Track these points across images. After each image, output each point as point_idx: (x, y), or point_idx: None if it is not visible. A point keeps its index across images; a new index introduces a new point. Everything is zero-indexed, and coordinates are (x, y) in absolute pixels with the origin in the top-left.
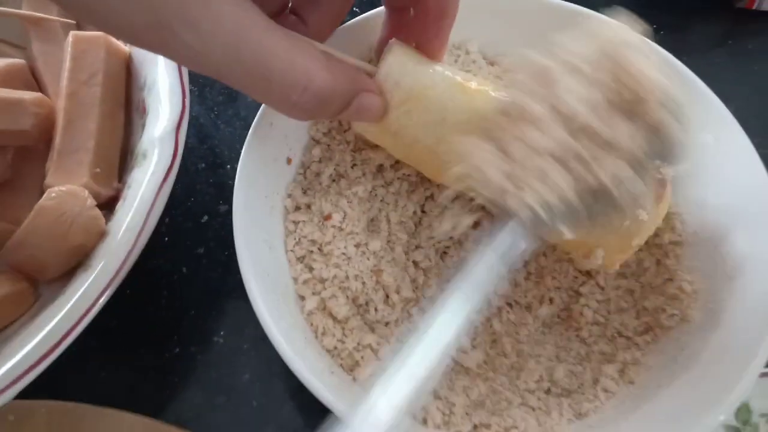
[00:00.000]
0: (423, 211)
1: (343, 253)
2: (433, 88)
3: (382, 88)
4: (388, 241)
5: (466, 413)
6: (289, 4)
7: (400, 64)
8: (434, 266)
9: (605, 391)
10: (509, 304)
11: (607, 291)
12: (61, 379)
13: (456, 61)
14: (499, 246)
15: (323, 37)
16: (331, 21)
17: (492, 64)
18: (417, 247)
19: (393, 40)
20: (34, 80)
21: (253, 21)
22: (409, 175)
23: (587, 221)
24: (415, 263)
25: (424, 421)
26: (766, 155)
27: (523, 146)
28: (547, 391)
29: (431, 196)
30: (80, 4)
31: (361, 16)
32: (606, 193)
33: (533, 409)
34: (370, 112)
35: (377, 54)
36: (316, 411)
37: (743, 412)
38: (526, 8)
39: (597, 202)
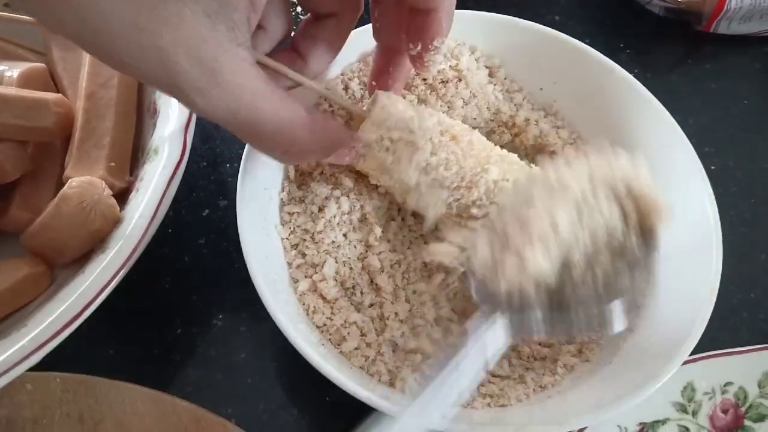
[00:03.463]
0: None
1: (333, 242)
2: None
3: (368, 136)
4: (381, 231)
5: None
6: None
7: (384, 119)
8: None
9: (564, 367)
10: None
11: None
12: (73, 356)
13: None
14: (483, 348)
15: (320, 69)
16: (328, 56)
17: (491, 74)
18: (400, 237)
19: (377, 92)
20: (53, 83)
21: (252, 90)
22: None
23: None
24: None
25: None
26: (719, 164)
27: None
28: (525, 367)
29: None
30: (101, 50)
31: (364, 27)
32: (568, 308)
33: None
34: (344, 161)
35: (369, 91)
36: (305, 388)
37: (688, 390)
38: (520, 31)
39: (560, 312)
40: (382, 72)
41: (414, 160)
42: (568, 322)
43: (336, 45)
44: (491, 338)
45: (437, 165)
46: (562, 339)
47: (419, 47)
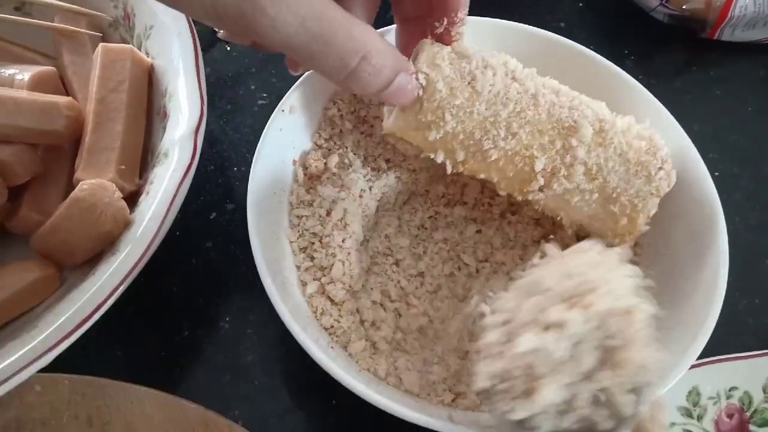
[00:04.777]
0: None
1: (340, 245)
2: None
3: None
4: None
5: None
6: None
7: (432, 58)
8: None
9: None
10: None
11: None
12: (81, 358)
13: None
14: None
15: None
16: (370, 9)
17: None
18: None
19: (423, 40)
20: (62, 87)
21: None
22: (400, 176)
23: None
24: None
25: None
26: (723, 171)
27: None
28: None
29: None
30: None
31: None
32: None
33: None
34: (404, 95)
35: None
36: (312, 391)
37: (693, 395)
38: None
39: None
40: (405, 50)
41: (479, 86)
42: None
43: (371, 6)
44: None
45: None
46: None
47: (445, 23)
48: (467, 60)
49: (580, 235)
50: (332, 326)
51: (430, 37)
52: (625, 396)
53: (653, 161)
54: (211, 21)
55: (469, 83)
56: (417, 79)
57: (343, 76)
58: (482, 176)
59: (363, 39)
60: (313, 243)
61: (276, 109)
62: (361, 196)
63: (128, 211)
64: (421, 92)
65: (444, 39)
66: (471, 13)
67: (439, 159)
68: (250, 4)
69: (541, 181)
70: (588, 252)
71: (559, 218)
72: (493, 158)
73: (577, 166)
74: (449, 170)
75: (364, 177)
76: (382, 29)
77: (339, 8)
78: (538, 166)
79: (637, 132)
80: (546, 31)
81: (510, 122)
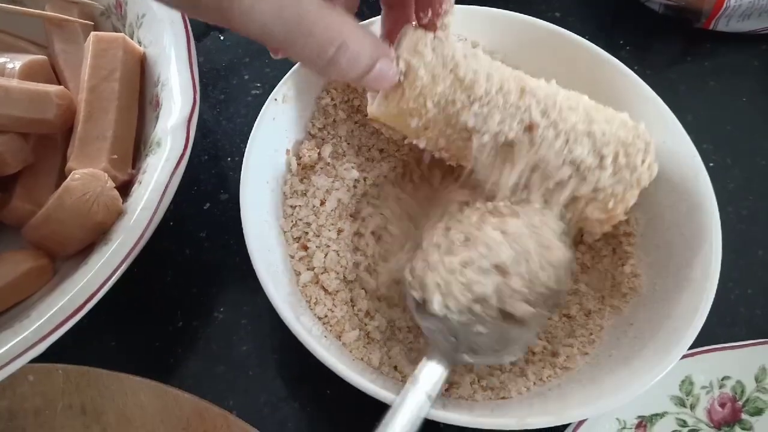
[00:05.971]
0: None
1: (334, 235)
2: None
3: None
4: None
5: None
6: None
7: (414, 44)
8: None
9: (564, 360)
10: None
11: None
12: (75, 348)
13: None
14: (426, 383)
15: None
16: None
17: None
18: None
19: (407, 25)
20: (54, 76)
21: None
22: (395, 168)
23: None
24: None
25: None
26: (717, 161)
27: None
28: (526, 361)
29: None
30: None
31: (366, 21)
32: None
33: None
34: (385, 81)
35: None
36: (306, 381)
37: (686, 384)
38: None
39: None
40: (389, 36)
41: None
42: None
43: None
44: (428, 374)
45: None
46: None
47: (429, 14)
48: (451, 47)
49: None
50: (326, 316)
51: (415, 23)
52: (518, 304)
53: (635, 153)
54: (187, 9)
55: (451, 70)
56: (398, 65)
57: (322, 64)
58: (463, 163)
59: (340, 28)
60: (306, 233)
61: (269, 98)
62: (355, 186)
63: (121, 200)
64: (402, 78)
65: (429, 29)
66: (466, 1)
67: (422, 145)
68: None
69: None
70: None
71: None
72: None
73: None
74: (426, 160)
75: (358, 167)
76: (370, 20)
77: None
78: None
79: (621, 121)
80: (541, 21)
81: (492, 107)
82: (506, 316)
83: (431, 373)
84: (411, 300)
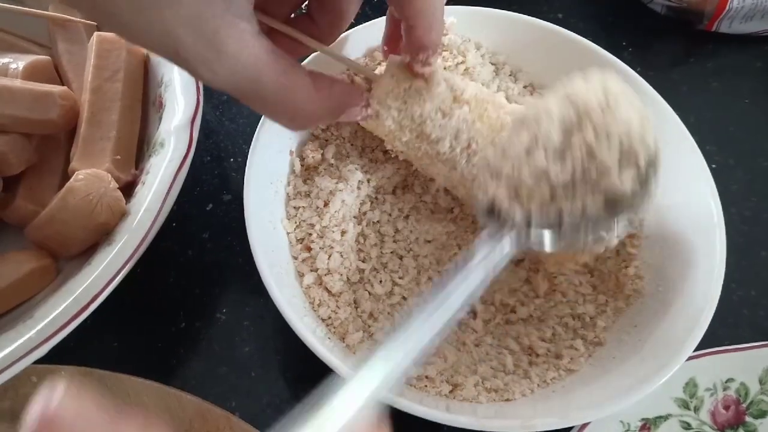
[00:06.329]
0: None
1: (337, 237)
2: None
3: (381, 95)
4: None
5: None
6: (303, 5)
7: (385, 95)
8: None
9: (568, 362)
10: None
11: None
12: (78, 350)
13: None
14: (491, 255)
15: (332, 37)
16: (339, 24)
17: (496, 70)
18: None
19: (391, 57)
20: (57, 76)
21: (253, 60)
22: (399, 169)
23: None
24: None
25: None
26: (720, 162)
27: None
28: (529, 363)
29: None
30: (111, 25)
31: (371, 21)
32: (577, 225)
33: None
34: (358, 119)
35: (384, 55)
36: (309, 382)
37: (690, 386)
38: (524, 27)
39: (570, 230)
40: (393, 36)
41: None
42: (572, 235)
43: (348, 11)
44: (498, 249)
45: (447, 132)
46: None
47: (408, 58)
48: (425, 98)
49: None
50: (329, 317)
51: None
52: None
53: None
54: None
55: (419, 125)
56: (370, 106)
57: (282, 125)
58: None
59: (291, 106)
60: (310, 234)
61: None
62: (359, 188)
63: (124, 201)
64: (375, 118)
65: (410, 71)
66: (469, 2)
67: (402, 157)
68: (186, 65)
69: None
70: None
71: None
72: (439, 177)
73: None
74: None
75: (362, 168)
76: (373, 21)
77: (275, 64)
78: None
79: None
80: (543, 22)
81: (458, 160)
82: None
83: (501, 247)
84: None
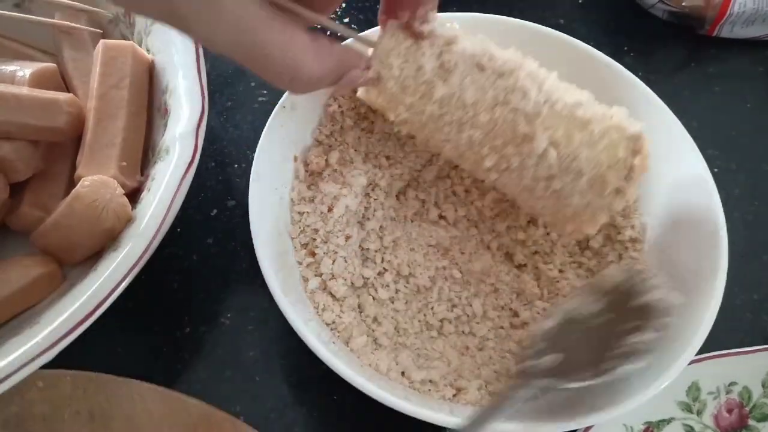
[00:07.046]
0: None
1: (342, 242)
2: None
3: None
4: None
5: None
6: None
7: (387, 54)
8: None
9: None
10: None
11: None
12: (83, 355)
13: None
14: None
15: (329, 10)
16: None
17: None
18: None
19: (390, 22)
20: (63, 83)
21: (253, 17)
22: (402, 174)
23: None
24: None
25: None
26: (722, 167)
27: None
28: None
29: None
30: None
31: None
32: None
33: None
34: (357, 84)
35: (382, 22)
36: (313, 386)
37: (693, 390)
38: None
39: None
40: (390, 5)
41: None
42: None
43: None
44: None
45: (456, 92)
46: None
47: (406, 17)
48: (426, 57)
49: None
50: (334, 322)
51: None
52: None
53: (614, 178)
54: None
55: (422, 83)
56: (371, 68)
57: (285, 85)
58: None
59: (292, 64)
60: (314, 239)
61: (277, 105)
62: (363, 193)
63: (130, 207)
64: (376, 79)
65: (408, 30)
66: (470, 9)
67: (403, 132)
68: (183, 24)
69: (493, 176)
70: None
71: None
72: (446, 148)
73: (528, 170)
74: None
75: (365, 173)
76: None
77: (274, 22)
78: (487, 163)
79: (609, 142)
80: (545, 27)
81: (463, 123)
82: None
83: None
84: None
